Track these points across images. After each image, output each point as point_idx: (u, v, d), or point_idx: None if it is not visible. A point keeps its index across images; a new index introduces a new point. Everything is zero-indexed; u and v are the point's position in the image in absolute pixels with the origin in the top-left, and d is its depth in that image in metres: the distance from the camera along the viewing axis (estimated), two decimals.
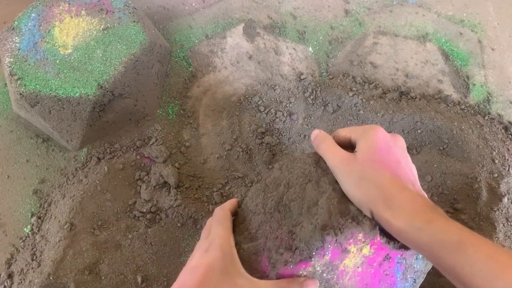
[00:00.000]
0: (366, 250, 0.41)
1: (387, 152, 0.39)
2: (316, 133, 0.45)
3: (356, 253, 0.41)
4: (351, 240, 0.41)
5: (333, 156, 0.40)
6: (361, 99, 0.73)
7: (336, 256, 0.41)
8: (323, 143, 0.43)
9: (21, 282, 0.62)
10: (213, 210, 0.59)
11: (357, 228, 0.39)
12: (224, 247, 0.40)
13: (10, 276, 0.63)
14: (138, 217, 0.65)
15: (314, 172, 0.43)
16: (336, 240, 0.39)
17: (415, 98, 0.74)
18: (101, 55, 0.67)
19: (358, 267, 0.42)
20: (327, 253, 0.39)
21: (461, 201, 0.64)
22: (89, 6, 0.71)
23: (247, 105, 0.75)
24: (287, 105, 0.74)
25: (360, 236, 0.40)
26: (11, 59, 0.66)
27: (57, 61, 0.66)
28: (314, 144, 0.44)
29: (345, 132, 0.44)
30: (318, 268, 0.40)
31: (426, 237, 0.34)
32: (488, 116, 0.74)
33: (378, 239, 0.41)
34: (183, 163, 0.70)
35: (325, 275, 0.41)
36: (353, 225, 0.39)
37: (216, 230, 0.42)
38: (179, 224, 0.65)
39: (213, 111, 0.75)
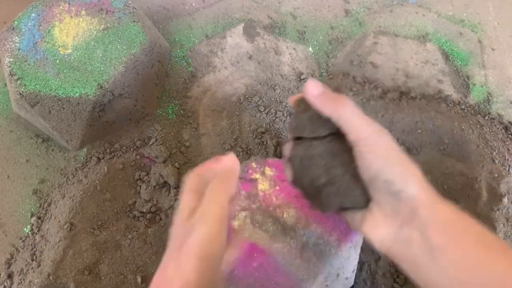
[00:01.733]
0: (268, 171, 0.49)
1: None
2: (320, 89, 0.36)
3: (262, 177, 0.49)
4: (250, 171, 0.49)
5: (362, 121, 0.34)
6: (361, 99, 0.73)
7: (249, 188, 0.48)
8: (346, 104, 0.34)
9: (21, 282, 0.62)
10: None
11: (250, 160, 0.48)
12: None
13: (10, 276, 0.63)
14: (138, 217, 0.65)
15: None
16: (240, 176, 0.47)
17: (415, 98, 0.74)
18: (101, 55, 0.67)
19: (274, 186, 0.49)
20: (241, 191, 0.46)
21: (461, 201, 0.64)
22: (89, 6, 0.71)
23: (247, 105, 0.75)
24: (287, 105, 0.74)
25: (254, 164, 0.49)
26: (11, 59, 0.66)
27: (57, 61, 0.66)
28: (322, 103, 0.35)
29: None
30: (242, 204, 0.45)
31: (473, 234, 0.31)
32: (488, 116, 0.74)
33: (270, 160, 0.49)
34: (183, 163, 0.70)
35: (253, 205, 0.47)
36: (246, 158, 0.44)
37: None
38: None
39: (213, 111, 0.75)
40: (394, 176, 0.33)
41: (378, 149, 0.33)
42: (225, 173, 0.36)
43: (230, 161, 0.36)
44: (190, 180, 0.37)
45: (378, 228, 0.34)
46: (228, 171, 0.36)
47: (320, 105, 0.35)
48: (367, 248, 0.62)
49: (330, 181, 0.37)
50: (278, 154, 0.70)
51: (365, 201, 0.37)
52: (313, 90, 0.36)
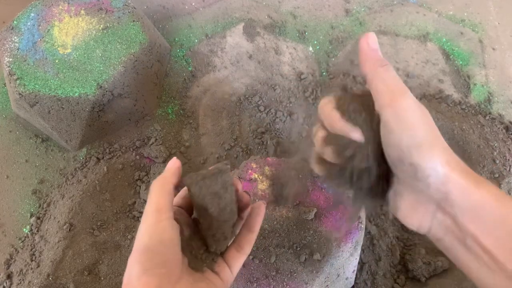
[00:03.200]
0: (268, 171, 0.50)
1: None
2: (375, 46, 0.33)
3: (262, 177, 0.51)
4: (250, 171, 0.49)
5: (409, 98, 0.31)
6: None
7: (249, 187, 0.50)
8: (389, 68, 0.32)
9: (20, 283, 0.61)
10: None
11: (250, 160, 0.49)
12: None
13: (9, 276, 0.63)
14: (138, 217, 0.65)
15: None
16: (240, 176, 0.49)
17: (416, 98, 0.74)
18: (100, 54, 0.67)
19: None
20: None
21: None
22: (88, 6, 0.71)
23: (247, 105, 0.74)
24: (287, 105, 0.74)
25: (254, 164, 0.49)
26: (10, 59, 0.66)
27: (57, 61, 0.66)
28: (370, 59, 0.33)
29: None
30: None
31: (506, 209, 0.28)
32: (489, 116, 0.74)
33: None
34: (182, 163, 0.70)
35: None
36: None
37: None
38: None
39: (213, 111, 0.75)
40: (420, 158, 0.29)
41: (407, 123, 0.30)
42: (163, 173, 0.37)
43: (170, 163, 0.37)
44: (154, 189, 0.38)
45: (412, 214, 0.32)
46: (165, 171, 0.36)
47: (365, 58, 0.33)
48: (367, 248, 0.62)
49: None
50: (278, 154, 0.70)
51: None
52: (370, 42, 0.34)
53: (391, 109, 0.30)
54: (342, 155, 0.34)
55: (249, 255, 0.50)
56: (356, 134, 0.33)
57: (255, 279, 0.49)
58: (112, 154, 0.70)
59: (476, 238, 0.28)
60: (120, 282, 0.60)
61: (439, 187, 0.29)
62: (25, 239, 0.66)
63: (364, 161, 0.33)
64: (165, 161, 0.69)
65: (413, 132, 0.30)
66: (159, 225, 0.33)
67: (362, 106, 0.33)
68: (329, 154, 0.36)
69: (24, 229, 0.67)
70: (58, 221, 0.64)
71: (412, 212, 0.32)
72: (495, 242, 0.28)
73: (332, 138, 0.35)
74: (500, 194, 0.29)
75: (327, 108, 0.35)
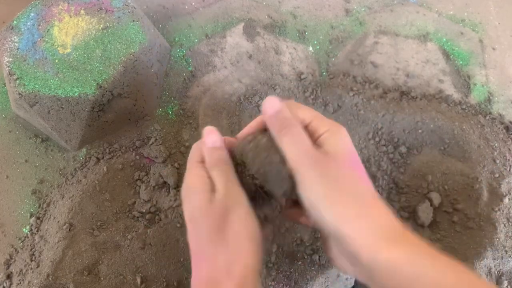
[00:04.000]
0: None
1: (358, 160, 0.33)
2: (275, 108, 0.33)
3: None
4: None
5: (302, 153, 0.31)
6: (362, 99, 0.73)
7: None
8: (289, 132, 0.32)
9: (20, 283, 0.61)
10: None
11: None
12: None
13: (9, 276, 0.63)
14: (138, 217, 0.65)
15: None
16: None
17: (416, 98, 0.74)
18: (100, 54, 0.67)
19: None
20: None
21: (462, 201, 0.64)
22: (88, 6, 0.71)
23: (247, 105, 0.74)
24: None
25: None
26: (10, 59, 0.66)
27: (56, 61, 0.66)
28: (272, 125, 0.33)
29: (303, 114, 0.34)
30: None
31: (430, 276, 0.27)
32: (489, 116, 0.74)
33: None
34: (182, 163, 0.70)
35: None
36: None
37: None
38: (178, 225, 0.65)
39: (213, 111, 0.75)
40: (325, 216, 0.30)
41: (308, 183, 0.30)
42: (209, 145, 0.37)
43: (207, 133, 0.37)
44: (193, 152, 0.38)
45: (337, 260, 0.33)
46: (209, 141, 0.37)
47: (269, 126, 0.34)
48: None
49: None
50: None
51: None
52: (269, 107, 0.34)
53: (297, 175, 0.31)
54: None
55: None
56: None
57: None
58: (112, 154, 0.70)
59: None
60: (120, 282, 0.60)
61: (346, 246, 0.29)
62: (24, 239, 0.66)
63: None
64: (165, 161, 0.69)
65: (312, 192, 0.30)
66: (252, 213, 0.33)
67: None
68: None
69: (24, 229, 0.67)
70: (58, 221, 0.64)
71: (337, 257, 0.33)
72: None
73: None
74: (415, 251, 0.28)
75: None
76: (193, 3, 0.85)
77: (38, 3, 0.71)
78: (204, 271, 0.30)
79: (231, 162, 0.36)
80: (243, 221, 0.31)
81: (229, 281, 0.29)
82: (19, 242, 0.66)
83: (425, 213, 0.63)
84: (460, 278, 0.27)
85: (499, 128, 0.72)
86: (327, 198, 0.30)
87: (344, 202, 0.29)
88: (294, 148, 0.31)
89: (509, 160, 0.68)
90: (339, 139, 0.32)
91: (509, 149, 0.70)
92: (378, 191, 0.66)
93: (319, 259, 0.49)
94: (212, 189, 0.34)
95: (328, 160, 0.31)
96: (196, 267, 0.31)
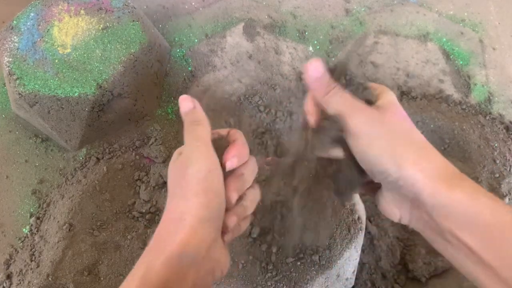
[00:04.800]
0: None
1: (405, 113, 0.34)
2: (320, 71, 0.34)
3: None
4: None
5: (357, 109, 0.32)
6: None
7: None
8: (338, 92, 0.33)
9: (20, 283, 0.61)
10: None
11: None
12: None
13: (9, 277, 0.63)
14: (137, 217, 0.65)
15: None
16: None
17: (416, 98, 0.74)
18: (100, 54, 0.67)
19: None
20: None
21: None
22: (88, 6, 0.71)
23: (247, 105, 0.74)
24: (287, 105, 0.74)
25: None
26: (10, 59, 0.66)
27: (56, 61, 0.66)
28: (317, 88, 0.34)
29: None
30: None
31: (489, 214, 0.28)
32: (489, 116, 0.74)
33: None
34: None
35: None
36: None
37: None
38: None
39: (213, 111, 0.75)
40: (387, 165, 0.31)
41: (366, 138, 0.32)
42: (191, 116, 0.40)
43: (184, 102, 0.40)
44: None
45: (391, 208, 0.34)
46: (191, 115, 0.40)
47: (313, 91, 0.35)
48: (367, 249, 0.62)
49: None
50: (278, 154, 0.70)
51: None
52: (313, 72, 0.35)
53: (348, 131, 0.33)
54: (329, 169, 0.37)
55: (249, 255, 0.50)
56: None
57: (254, 279, 0.48)
58: (111, 154, 0.70)
59: (452, 232, 0.30)
60: (120, 282, 0.60)
61: (409, 188, 0.30)
62: (24, 239, 0.66)
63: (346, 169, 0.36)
64: (165, 161, 0.69)
65: (371, 145, 0.32)
66: (217, 168, 0.35)
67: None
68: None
69: (24, 229, 0.67)
70: (58, 221, 0.64)
71: (391, 206, 0.34)
72: (471, 236, 0.29)
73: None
74: (473, 191, 0.30)
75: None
76: (193, 3, 0.85)
77: (38, 3, 0.71)
78: (167, 215, 0.34)
79: (206, 123, 0.41)
80: (197, 175, 0.34)
81: (180, 228, 0.32)
82: (19, 242, 0.66)
83: None
84: None
85: (499, 128, 0.72)
86: (389, 147, 0.31)
87: (404, 148, 0.31)
88: (347, 107, 0.33)
89: (509, 160, 0.68)
90: (388, 95, 0.34)
91: (509, 149, 0.70)
92: None
93: (319, 259, 0.49)
94: None
95: (382, 113, 0.32)
96: (166, 210, 0.35)
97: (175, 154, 0.38)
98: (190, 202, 0.33)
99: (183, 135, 0.39)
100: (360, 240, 0.53)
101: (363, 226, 0.53)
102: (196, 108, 0.42)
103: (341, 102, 0.33)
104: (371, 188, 0.37)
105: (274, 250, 0.50)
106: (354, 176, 0.36)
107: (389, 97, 0.34)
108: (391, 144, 0.31)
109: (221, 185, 0.35)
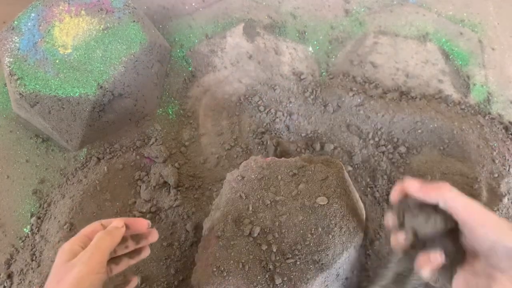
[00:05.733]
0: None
1: None
2: (417, 183, 0.41)
3: None
4: None
5: (468, 202, 0.38)
6: (361, 99, 0.73)
7: None
8: (446, 187, 0.40)
9: (21, 282, 0.61)
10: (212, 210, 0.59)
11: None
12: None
13: (9, 276, 0.63)
14: (138, 217, 0.65)
15: None
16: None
17: (416, 98, 0.74)
18: (101, 55, 0.67)
19: None
20: None
21: None
22: (88, 6, 0.71)
23: (247, 105, 0.75)
24: (287, 105, 0.74)
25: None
26: (11, 59, 0.66)
27: (57, 61, 0.66)
28: (425, 193, 0.40)
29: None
30: None
31: None
32: (489, 116, 0.74)
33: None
34: (183, 163, 0.70)
35: None
36: None
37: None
38: (178, 224, 0.65)
39: (213, 111, 0.75)
40: (500, 236, 0.36)
41: (490, 221, 0.37)
42: (112, 227, 0.43)
43: (118, 222, 0.44)
44: (87, 227, 0.45)
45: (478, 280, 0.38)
46: (114, 227, 0.43)
47: (424, 195, 0.40)
48: (367, 249, 0.62)
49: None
50: (278, 154, 0.70)
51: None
52: (413, 185, 0.41)
53: (475, 223, 0.37)
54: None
55: (249, 255, 0.50)
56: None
57: (255, 279, 0.49)
58: (112, 154, 0.70)
59: None
60: (121, 282, 0.60)
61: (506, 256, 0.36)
62: (25, 239, 0.66)
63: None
64: (165, 161, 0.69)
65: (495, 229, 0.36)
66: (96, 276, 0.40)
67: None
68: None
69: (25, 229, 0.67)
70: (59, 221, 0.64)
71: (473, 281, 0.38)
72: None
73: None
74: None
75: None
76: (193, 4, 0.85)
77: (39, 3, 0.71)
78: None
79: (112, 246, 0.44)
80: (75, 274, 0.39)
81: None
82: (19, 241, 0.66)
83: None
84: None
85: (498, 128, 0.73)
86: (501, 229, 0.36)
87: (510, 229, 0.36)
88: (459, 198, 0.38)
89: (508, 160, 0.68)
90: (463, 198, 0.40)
91: (508, 149, 0.70)
92: (377, 191, 0.66)
93: (319, 259, 0.50)
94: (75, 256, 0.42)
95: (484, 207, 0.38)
96: None
97: (67, 254, 0.42)
98: None
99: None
100: (360, 240, 0.53)
101: (363, 225, 0.54)
102: (121, 231, 0.45)
103: (457, 196, 0.38)
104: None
105: (274, 249, 0.50)
106: (458, 250, 0.39)
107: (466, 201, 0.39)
108: (508, 224, 0.37)
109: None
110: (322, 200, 0.52)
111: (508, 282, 0.37)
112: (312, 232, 0.50)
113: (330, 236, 0.50)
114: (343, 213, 0.51)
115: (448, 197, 0.39)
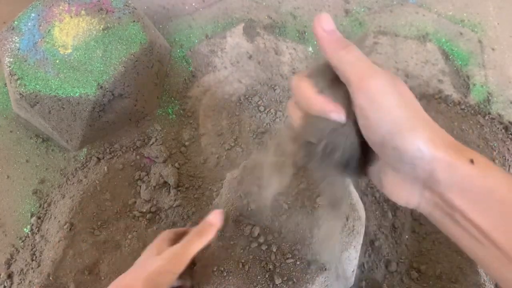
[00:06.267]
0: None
1: None
2: (331, 26, 0.30)
3: None
4: None
5: (380, 77, 0.28)
6: None
7: None
8: (352, 50, 0.29)
9: (21, 282, 0.62)
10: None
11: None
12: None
13: (10, 276, 0.63)
14: (138, 217, 0.65)
15: None
16: None
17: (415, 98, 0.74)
18: (101, 55, 0.67)
19: None
20: None
21: None
22: (88, 6, 0.71)
23: (247, 105, 0.75)
24: (287, 105, 0.74)
25: None
26: (11, 59, 0.66)
27: (57, 61, 0.66)
28: (328, 43, 0.30)
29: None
30: None
31: (506, 190, 0.27)
32: (489, 116, 0.74)
33: None
34: (183, 163, 0.70)
35: None
36: None
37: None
38: (179, 225, 0.65)
39: (213, 111, 0.75)
40: (403, 141, 0.28)
41: (382, 108, 0.28)
42: (204, 226, 0.44)
43: (213, 218, 0.43)
44: (172, 230, 0.48)
45: (399, 192, 0.31)
46: (207, 226, 0.44)
47: (323, 44, 0.30)
48: (367, 249, 0.62)
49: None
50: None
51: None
52: (325, 25, 0.30)
53: (363, 94, 0.28)
54: (320, 136, 0.31)
55: (249, 255, 0.50)
56: (338, 115, 0.30)
57: (255, 279, 0.49)
58: (112, 154, 0.70)
59: (463, 212, 0.28)
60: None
61: (425, 167, 0.28)
62: (25, 239, 0.66)
63: (345, 141, 0.31)
64: (165, 161, 0.69)
65: (389, 116, 0.28)
66: (171, 275, 0.42)
67: (339, 80, 0.29)
68: (307, 135, 0.32)
69: (25, 229, 0.67)
70: (59, 221, 0.64)
71: (398, 189, 0.31)
72: (482, 214, 0.27)
73: (309, 118, 0.32)
74: (486, 166, 0.28)
75: (302, 84, 0.31)
76: (193, 4, 0.85)
77: (39, 3, 0.71)
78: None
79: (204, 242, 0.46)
80: (153, 268, 0.42)
81: None
82: (20, 241, 0.66)
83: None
84: None
85: (498, 128, 0.73)
86: (408, 121, 0.28)
87: (420, 123, 0.28)
88: (364, 67, 0.29)
89: (508, 160, 0.68)
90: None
91: (508, 149, 0.70)
92: (377, 191, 0.66)
93: (319, 259, 0.50)
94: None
95: (396, 80, 0.29)
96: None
97: (154, 249, 0.45)
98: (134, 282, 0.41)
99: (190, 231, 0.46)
100: (360, 240, 0.53)
101: (363, 225, 0.54)
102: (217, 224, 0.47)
103: (356, 61, 0.29)
104: (374, 168, 0.33)
105: (274, 249, 0.50)
106: (355, 150, 0.32)
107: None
108: (411, 117, 0.28)
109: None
110: (322, 200, 0.52)
111: (399, 181, 0.30)
112: (312, 232, 0.51)
113: (330, 236, 0.50)
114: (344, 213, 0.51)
115: (345, 60, 0.29)
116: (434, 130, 0.29)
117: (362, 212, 0.55)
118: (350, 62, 0.29)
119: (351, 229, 0.51)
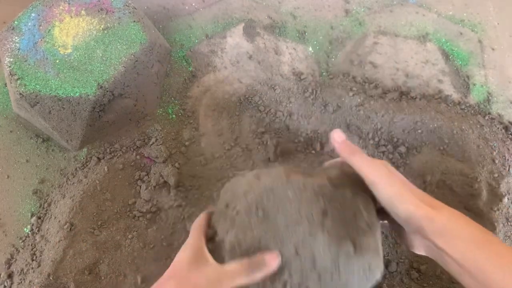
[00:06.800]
0: None
1: None
2: (342, 138, 0.46)
3: None
4: None
5: (378, 167, 0.42)
6: (361, 99, 0.73)
7: None
8: (358, 153, 0.44)
9: (21, 282, 0.62)
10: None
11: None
12: (193, 245, 0.44)
13: (10, 276, 0.63)
14: (138, 217, 0.65)
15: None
16: None
17: (415, 98, 0.74)
18: (101, 55, 0.67)
19: None
20: None
21: (461, 201, 0.64)
22: (89, 6, 0.71)
23: (247, 105, 0.75)
24: (287, 105, 0.74)
25: None
26: (11, 59, 0.66)
27: (57, 61, 0.66)
28: (343, 150, 0.45)
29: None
30: None
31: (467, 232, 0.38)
32: (488, 116, 0.74)
33: None
34: (183, 163, 0.70)
35: None
36: None
37: (189, 236, 0.46)
38: (179, 225, 0.65)
39: (213, 111, 0.75)
40: (397, 210, 0.40)
41: (379, 187, 0.41)
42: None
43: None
44: (202, 220, 0.49)
45: (412, 243, 0.43)
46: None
47: (339, 150, 0.45)
48: None
49: None
50: (278, 154, 0.70)
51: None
52: (337, 138, 0.46)
53: (367, 178, 0.42)
54: None
55: None
56: None
57: None
58: (112, 154, 0.70)
59: (445, 251, 0.38)
60: (121, 282, 0.60)
61: (416, 223, 0.39)
62: (26, 239, 0.66)
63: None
64: (165, 161, 0.69)
65: (385, 194, 0.41)
66: (202, 249, 0.43)
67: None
68: None
69: (25, 229, 0.67)
70: (59, 221, 0.64)
71: (410, 241, 0.43)
72: (455, 251, 0.37)
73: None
74: (455, 215, 0.39)
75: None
76: (193, 4, 0.85)
77: (39, 3, 0.71)
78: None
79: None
80: (181, 253, 0.44)
81: None
82: (20, 241, 0.66)
83: None
84: (486, 235, 0.38)
85: (498, 128, 0.73)
86: (399, 192, 0.40)
87: (407, 193, 0.40)
88: (367, 164, 0.42)
89: (508, 160, 0.68)
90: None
91: (508, 149, 0.70)
92: None
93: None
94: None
95: (389, 166, 0.43)
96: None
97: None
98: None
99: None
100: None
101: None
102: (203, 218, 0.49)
103: (360, 159, 0.43)
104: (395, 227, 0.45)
105: None
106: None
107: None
108: (397, 192, 0.40)
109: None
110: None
111: (410, 233, 0.42)
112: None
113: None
114: None
115: (354, 160, 0.43)
116: (416, 194, 0.41)
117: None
118: (357, 161, 0.43)
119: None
